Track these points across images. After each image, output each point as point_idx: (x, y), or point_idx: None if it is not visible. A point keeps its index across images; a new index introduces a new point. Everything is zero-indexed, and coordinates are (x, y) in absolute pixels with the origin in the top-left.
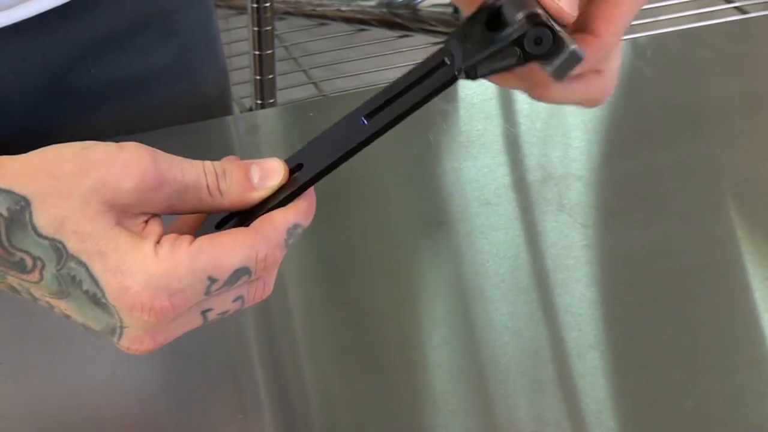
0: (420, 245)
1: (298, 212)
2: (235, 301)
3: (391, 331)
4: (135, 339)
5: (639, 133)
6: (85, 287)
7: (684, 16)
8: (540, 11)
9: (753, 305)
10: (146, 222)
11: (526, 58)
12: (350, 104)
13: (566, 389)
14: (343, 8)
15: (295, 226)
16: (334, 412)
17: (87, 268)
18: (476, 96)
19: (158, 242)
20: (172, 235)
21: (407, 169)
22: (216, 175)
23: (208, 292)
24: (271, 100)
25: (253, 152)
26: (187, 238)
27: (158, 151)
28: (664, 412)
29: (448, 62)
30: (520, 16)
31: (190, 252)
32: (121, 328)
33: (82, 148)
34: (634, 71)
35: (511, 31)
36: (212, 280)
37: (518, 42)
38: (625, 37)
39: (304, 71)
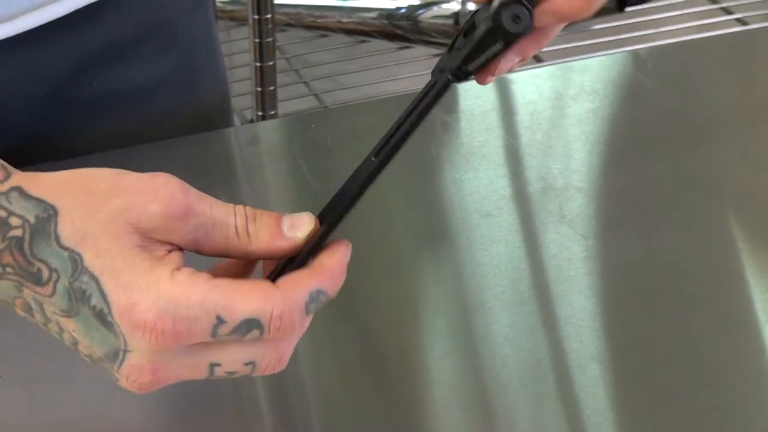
0: (421, 256)
1: (323, 278)
2: (246, 364)
3: (392, 342)
4: (136, 367)
5: (639, 144)
6: (93, 302)
7: (684, 27)
8: None
9: (754, 316)
10: (169, 251)
11: (507, 40)
12: (351, 116)
13: (567, 400)
14: (344, 20)
15: (319, 292)
16: (336, 424)
17: (98, 283)
18: (477, 108)
19: (177, 269)
20: (192, 269)
21: (409, 180)
22: (246, 217)
23: (214, 334)
24: (272, 112)
25: (253, 164)
26: (207, 274)
27: (190, 186)
28: (665, 424)
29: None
30: (494, 4)
31: (206, 285)
32: (125, 351)
33: (116, 172)
34: (635, 82)
35: (488, 17)
36: (220, 320)
37: (498, 24)
38: (626, 49)
39: (305, 83)
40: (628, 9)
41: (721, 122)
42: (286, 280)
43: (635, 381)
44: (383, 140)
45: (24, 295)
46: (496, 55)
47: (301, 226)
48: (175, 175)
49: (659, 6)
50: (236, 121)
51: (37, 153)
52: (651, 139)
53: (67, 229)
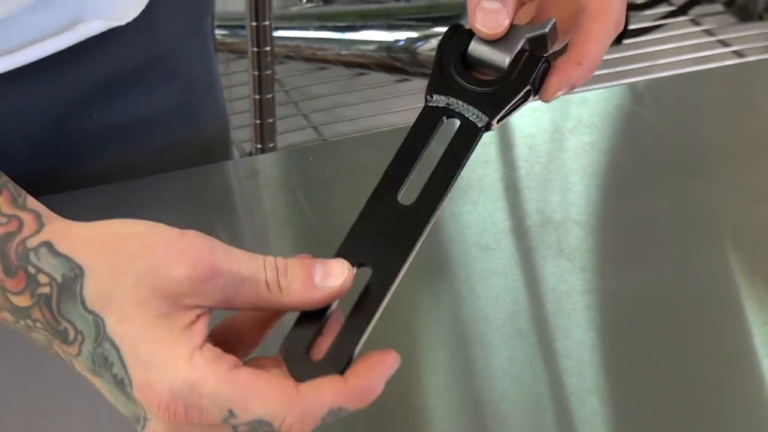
0: (420, 289)
1: (351, 396)
2: None
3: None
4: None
5: (637, 177)
6: (114, 371)
7: (682, 60)
8: (524, 45)
9: (753, 350)
10: (198, 317)
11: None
12: (350, 149)
13: None
14: (343, 52)
15: (341, 409)
16: None
17: (119, 352)
18: None
19: (201, 346)
20: (218, 350)
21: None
22: (276, 269)
23: (225, 421)
24: (271, 144)
25: (253, 197)
26: (231, 359)
27: (218, 242)
28: None
29: (461, 120)
30: (521, 55)
31: (224, 376)
32: (145, 419)
33: (147, 228)
34: (633, 116)
35: (525, 73)
36: (232, 413)
37: (533, 82)
38: (623, 82)
39: (304, 115)
40: (626, 41)
41: (718, 155)
42: (310, 387)
43: (634, 415)
44: (422, 206)
45: (55, 348)
46: (442, 67)
47: (334, 275)
48: (175, 208)
49: (657, 38)
50: (235, 153)
51: (38, 186)
52: (649, 172)
53: (92, 291)
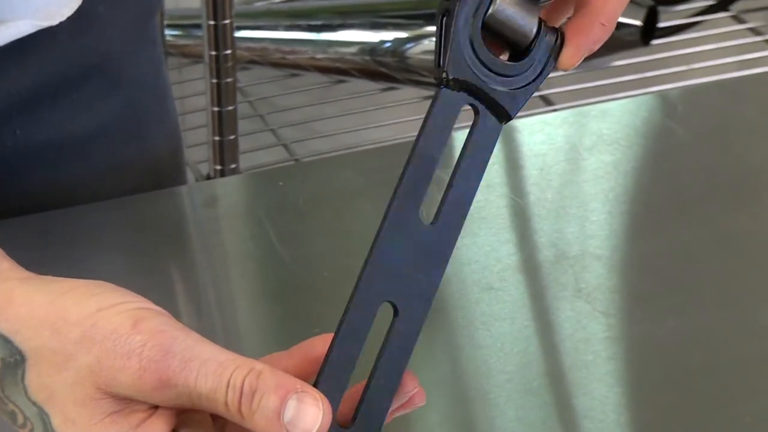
0: None
1: None
2: None
3: None
4: None
5: (668, 205)
6: None
7: (721, 64)
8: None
9: None
10: (150, 414)
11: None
12: (326, 171)
13: None
14: (319, 56)
15: None
16: None
17: None
18: None
19: None
20: None
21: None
22: (241, 393)
23: None
24: (233, 166)
25: (211, 228)
26: None
27: (180, 338)
28: None
29: (481, 109)
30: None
31: None
32: None
33: (97, 309)
34: (664, 131)
35: (549, 48)
36: None
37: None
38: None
39: (272, 131)
40: (655, 42)
41: (766, 178)
42: None
43: None
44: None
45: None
46: (462, 37)
47: (305, 421)
48: (116, 242)
49: (691, 38)
50: (190, 176)
51: None
52: (682, 199)
53: (34, 381)
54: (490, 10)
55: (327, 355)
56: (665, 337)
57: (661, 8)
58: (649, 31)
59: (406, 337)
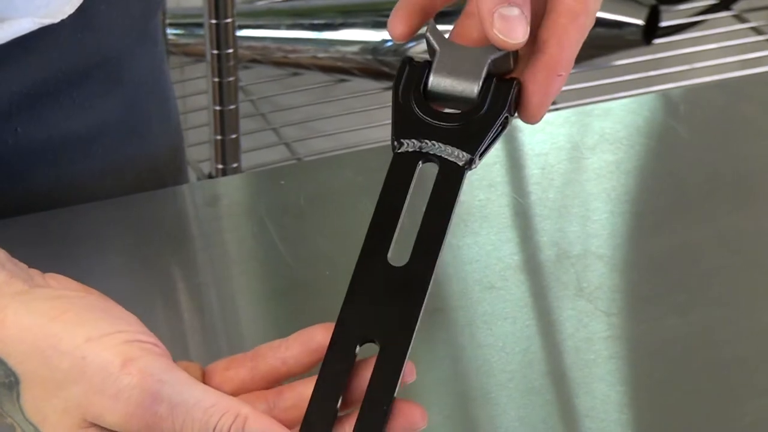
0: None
1: None
2: None
3: None
4: None
5: (671, 203)
6: None
7: (724, 63)
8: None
9: None
10: None
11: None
12: (328, 170)
13: None
14: (320, 55)
15: None
16: None
17: None
18: None
19: None
20: None
21: (398, 247)
22: None
23: None
24: (235, 165)
25: (212, 227)
26: None
27: (168, 382)
28: None
29: (440, 162)
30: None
31: None
32: None
33: (86, 339)
34: (666, 130)
35: (499, 100)
36: None
37: (509, 108)
38: (654, 89)
39: (274, 130)
40: (657, 41)
41: (767, 178)
42: None
43: None
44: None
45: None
46: (403, 107)
47: None
48: (117, 242)
49: (693, 38)
50: (191, 176)
51: None
52: (684, 199)
53: (29, 404)
54: (427, 85)
55: (311, 399)
56: (667, 336)
57: (663, 7)
58: (651, 31)
59: (392, 370)
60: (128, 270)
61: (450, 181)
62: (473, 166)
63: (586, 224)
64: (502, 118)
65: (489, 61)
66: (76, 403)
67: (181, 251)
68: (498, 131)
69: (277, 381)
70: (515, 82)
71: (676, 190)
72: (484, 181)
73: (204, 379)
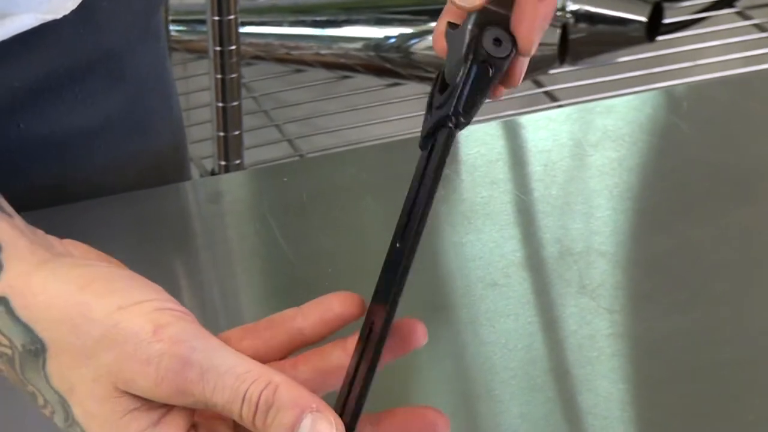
0: None
1: None
2: None
3: None
4: None
5: (674, 201)
6: None
7: (727, 60)
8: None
9: None
10: (168, 410)
11: (495, 65)
12: (331, 167)
13: None
14: (323, 52)
15: None
16: None
17: None
18: (480, 157)
19: None
20: None
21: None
22: (256, 408)
23: None
24: (237, 161)
25: (215, 224)
26: None
27: (199, 348)
28: None
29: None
30: (467, 38)
31: None
32: None
33: (118, 307)
34: (669, 127)
35: (465, 56)
36: None
37: (479, 51)
38: (657, 86)
39: (277, 126)
40: (660, 38)
41: None
42: None
43: None
44: (400, 227)
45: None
46: (488, 88)
47: None
48: (119, 239)
49: (696, 35)
50: (194, 172)
51: None
52: (687, 196)
53: (55, 371)
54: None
55: (345, 386)
56: (670, 333)
57: (666, 4)
58: (654, 28)
59: (377, 343)
60: (130, 266)
61: (437, 146)
62: (449, 123)
63: (588, 221)
64: (465, 67)
65: (468, 28)
66: (107, 371)
67: (184, 248)
68: (475, 83)
69: (292, 350)
70: (469, 29)
71: (679, 187)
72: (487, 178)
73: None
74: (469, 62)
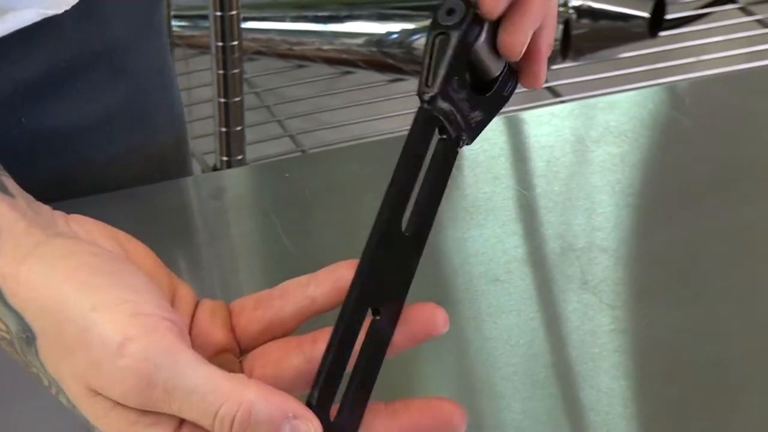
0: None
1: None
2: None
3: None
4: None
5: (676, 196)
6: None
7: (729, 56)
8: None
9: None
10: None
11: (453, 36)
12: (333, 162)
13: None
14: (325, 47)
15: None
16: None
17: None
18: (482, 153)
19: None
20: None
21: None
22: (231, 427)
23: None
24: (239, 157)
25: (217, 220)
26: None
27: (165, 366)
28: None
29: (447, 132)
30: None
31: None
32: None
33: (92, 308)
34: (671, 123)
35: (506, 89)
36: None
37: (435, 23)
38: (659, 82)
39: (279, 122)
40: (662, 34)
41: None
42: None
43: None
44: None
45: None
46: (447, 57)
47: None
48: (122, 231)
49: (699, 30)
50: (196, 168)
51: None
52: (689, 192)
53: (47, 360)
54: (474, 44)
55: (320, 367)
56: (671, 329)
57: (668, 0)
58: (656, 23)
59: (384, 335)
60: None
61: (448, 152)
62: (425, 99)
63: (590, 217)
64: (428, 42)
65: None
66: (81, 372)
67: (186, 244)
68: (433, 54)
69: (304, 319)
70: (515, 75)
71: (681, 183)
72: (489, 173)
73: (231, 318)
74: (430, 37)
